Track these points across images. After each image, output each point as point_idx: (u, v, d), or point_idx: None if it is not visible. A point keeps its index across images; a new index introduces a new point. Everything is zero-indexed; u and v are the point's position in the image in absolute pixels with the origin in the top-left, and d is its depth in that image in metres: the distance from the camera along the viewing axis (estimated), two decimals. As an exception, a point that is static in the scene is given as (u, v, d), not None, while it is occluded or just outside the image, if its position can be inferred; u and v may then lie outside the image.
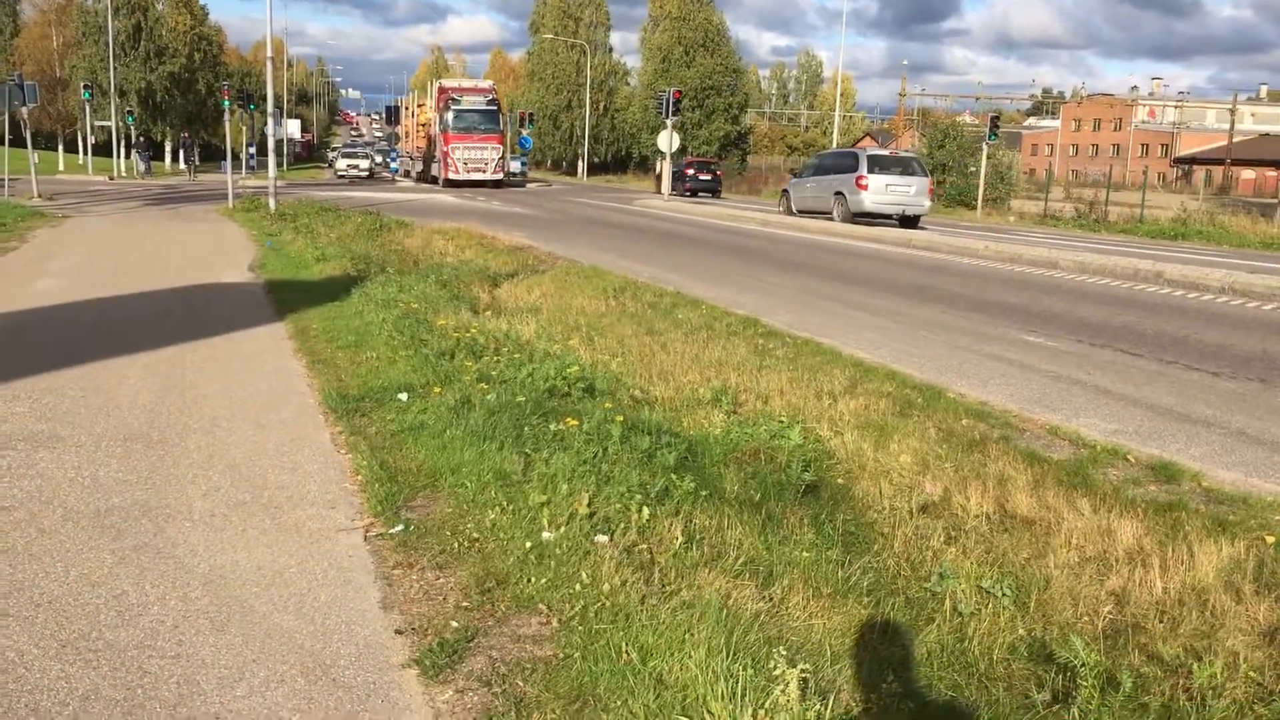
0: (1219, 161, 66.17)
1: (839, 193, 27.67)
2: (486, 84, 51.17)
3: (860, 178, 26.88)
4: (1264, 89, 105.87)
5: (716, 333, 9.49)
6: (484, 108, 46.00)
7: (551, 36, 79.01)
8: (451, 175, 45.06)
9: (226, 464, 5.31)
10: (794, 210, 30.18)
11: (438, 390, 6.45)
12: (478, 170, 45.51)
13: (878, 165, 27.28)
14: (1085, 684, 3.45)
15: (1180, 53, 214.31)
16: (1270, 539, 4.56)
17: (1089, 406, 7.32)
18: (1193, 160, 78.88)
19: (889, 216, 27.17)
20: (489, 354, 7.63)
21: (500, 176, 46.67)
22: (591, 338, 9.06)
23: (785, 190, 32.14)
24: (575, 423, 5.57)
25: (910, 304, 12.57)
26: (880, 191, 26.75)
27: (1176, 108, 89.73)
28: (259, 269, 13.72)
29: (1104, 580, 4.37)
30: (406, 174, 60.33)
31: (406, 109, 63.24)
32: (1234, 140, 65.77)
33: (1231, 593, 4.17)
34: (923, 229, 26.47)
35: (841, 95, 60.77)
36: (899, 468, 5.70)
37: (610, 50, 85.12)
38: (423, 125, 54.00)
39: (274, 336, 8.99)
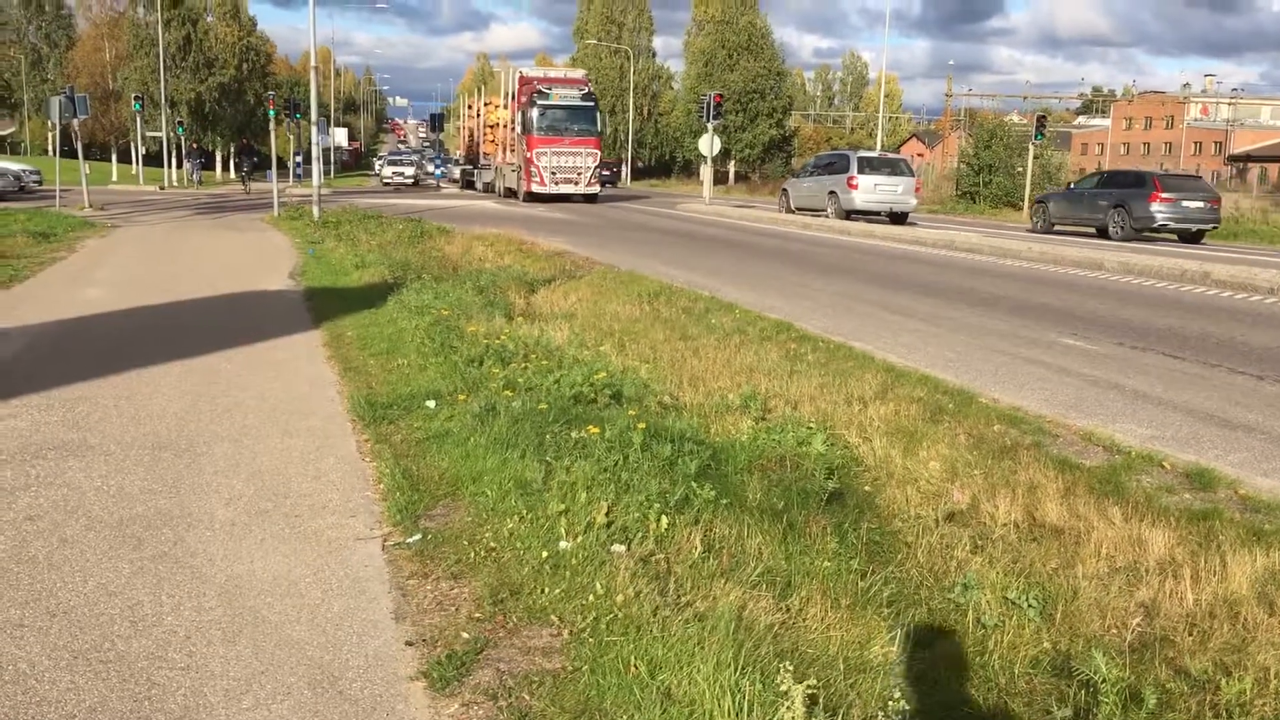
0: (1275, 159, 64.85)
1: (832, 192, 29.71)
2: (579, 73, 42.82)
3: (851, 178, 28.91)
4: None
5: (749, 338, 9.42)
6: (578, 103, 36.90)
7: (595, 42, 79.23)
8: (536, 188, 36.28)
9: (251, 472, 5.35)
10: (792, 208, 32.04)
11: (463, 397, 6.46)
12: (569, 182, 36.71)
13: (867, 166, 29.40)
14: (1107, 700, 3.36)
15: (1231, 49, 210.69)
16: (1307, 549, 4.42)
17: (1126, 411, 7.17)
18: (1247, 158, 77.31)
19: (878, 213, 28.94)
20: (518, 360, 7.63)
21: (596, 189, 37.88)
22: (624, 343, 9.04)
23: (784, 189, 34.04)
24: (597, 430, 5.54)
25: (948, 307, 12.41)
26: (869, 191, 28.78)
27: (1230, 104, 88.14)
28: (299, 276, 13.86)
29: (1133, 592, 4.26)
30: (470, 184, 53.08)
31: (470, 108, 54.63)
32: (1290, 136, 64.38)
33: (1265, 605, 4.05)
34: (913, 224, 27.99)
35: (887, 97, 60.45)
36: (927, 475, 5.61)
37: (653, 55, 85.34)
38: (491, 128, 45.90)
39: (309, 344, 9.06)
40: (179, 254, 16.97)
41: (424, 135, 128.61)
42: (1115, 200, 26.53)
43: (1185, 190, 26.41)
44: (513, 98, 39.11)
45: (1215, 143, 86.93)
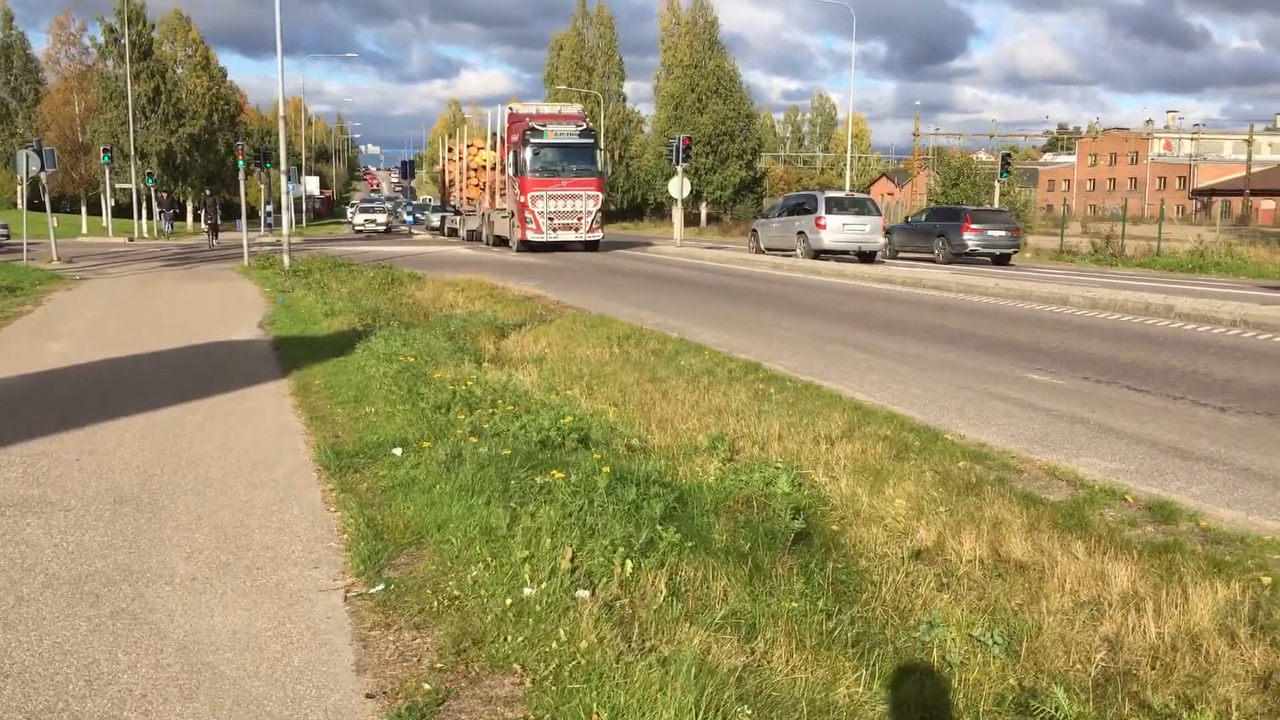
0: (1238, 192, 65.92)
1: (801, 232, 30.03)
2: (575, 108, 38.54)
3: (819, 218, 29.28)
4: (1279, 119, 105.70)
5: (718, 379, 9.44)
6: (576, 140, 33.00)
7: (565, 88, 79.86)
8: (532, 235, 32.30)
9: (214, 525, 5.30)
10: (762, 249, 32.49)
11: (429, 445, 6.44)
12: (568, 228, 32.62)
13: (835, 206, 29.83)
14: (1069, 736, 3.36)
15: (1191, 85, 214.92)
16: (1267, 579, 4.46)
17: (1090, 445, 7.23)
18: (1211, 192, 78.53)
19: (847, 252, 29.49)
20: (485, 406, 7.62)
21: (598, 236, 33.69)
22: (592, 387, 9.04)
23: (754, 230, 34.59)
24: (562, 475, 5.53)
25: (916, 344, 12.49)
26: (838, 230, 29.19)
27: (1193, 139, 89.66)
28: (268, 326, 13.81)
29: (1097, 626, 4.27)
30: (452, 232, 49.60)
31: (451, 152, 51.39)
32: (1252, 170, 65.52)
33: (1226, 637, 4.07)
34: (880, 263, 28.72)
35: (855, 137, 61.14)
36: (893, 513, 5.62)
37: (624, 99, 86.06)
38: (474, 171, 42.85)
39: (276, 393, 9.02)
40: (147, 305, 16.89)
41: (396, 182, 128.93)
42: (939, 231, 30.93)
43: (992, 222, 30.84)
44: (501, 139, 35.97)
45: (1179, 177, 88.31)
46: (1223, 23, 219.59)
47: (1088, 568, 4.74)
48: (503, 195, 35.58)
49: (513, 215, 33.38)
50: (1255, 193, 65.52)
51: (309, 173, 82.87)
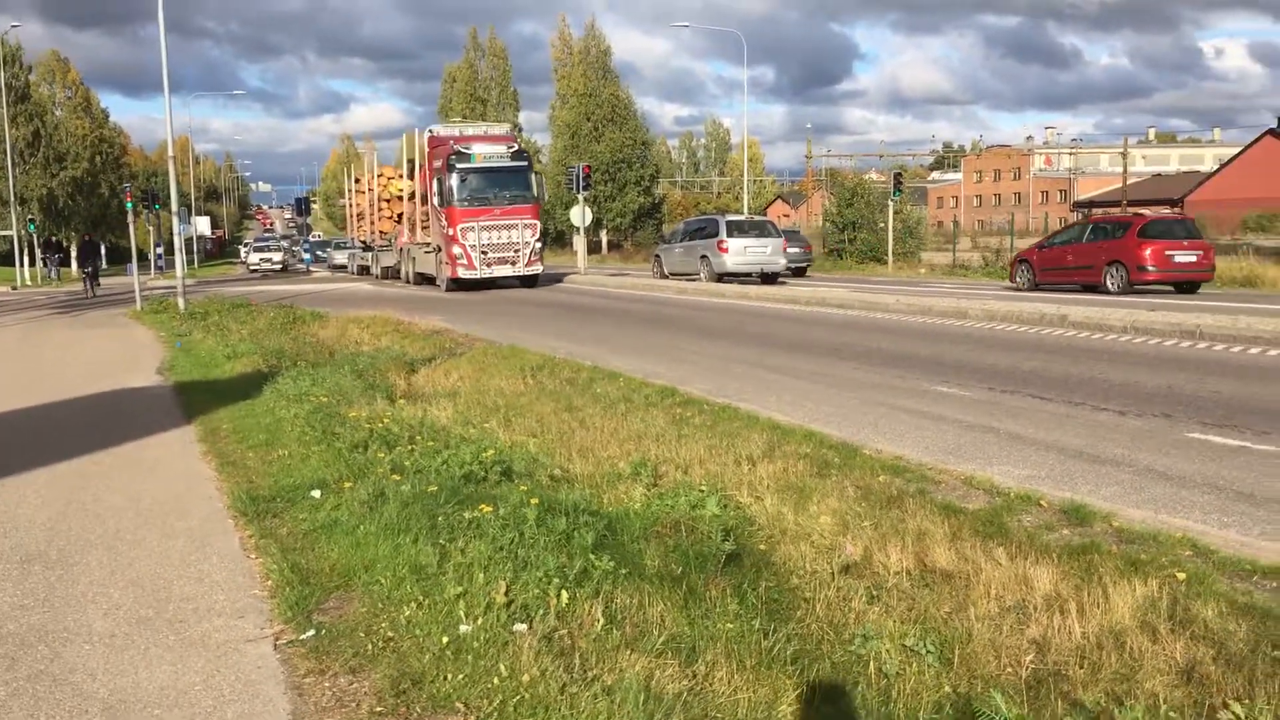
0: (1115, 203, 68.46)
1: (704, 256, 30.31)
2: (503, 128, 35.15)
3: (721, 242, 29.56)
4: (1151, 131, 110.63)
5: (635, 405, 9.47)
6: (507, 163, 29.53)
7: (460, 120, 79.54)
8: (464, 272, 28.94)
9: (129, 579, 5.12)
10: (666, 274, 32.61)
11: (349, 485, 6.32)
12: (504, 261, 29.21)
13: (736, 229, 30.16)
14: (1010, 738, 3.43)
15: (1066, 102, 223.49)
16: (1181, 575, 4.62)
17: (1002, 454, 7.43)
18: (1090, 203, 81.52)
19: (750, 275, 29.58)
20: (403, 443, 7.51)
21: (538, 270, 30.26)
22: (509, 419, 8.99)
23: (657, 255, 34.61)
24: (490, 509, 5.48)
25: (825, 362, 12.70)
26: (740, 253, 29.46)
27: (1071, 154, 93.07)
28: (168, 371, 13.43)
29: (1024, 629, 4.38)
30: (364, 270, 45.37)
31: (357, 183, 46.31)
32: (1128, 182, 68.23)
33: (1148, 633, 4.21)
34: (783, 284, 28.95)
35: (750, 160, 62.04)
36: (819, 529, 5.69)
37: (519, 129, 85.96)
38: (386, 202, 39.07)
39: (183, 440, 8.77)
40: (36, 355, 16.28)
41: (290, 219, 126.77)
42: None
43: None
44: (420, 166, 32.52)
45: (1061, 191, 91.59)
46: (1092, 41, 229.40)
47: (1011, 573, 4.85)
48: (425, 228, 32.21)
49: (439, 250, 29.90)
50: (1132, 203, 68.05)
51: (199, 213, 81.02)
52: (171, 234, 27.69)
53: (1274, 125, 60.66)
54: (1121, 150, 68.80)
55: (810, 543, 5.55)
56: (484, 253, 28.73)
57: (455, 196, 28.60)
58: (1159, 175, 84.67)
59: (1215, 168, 71.20)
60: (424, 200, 31.99)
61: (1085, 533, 5.48)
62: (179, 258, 25.49)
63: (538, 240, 29.82)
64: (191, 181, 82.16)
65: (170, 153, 25.11)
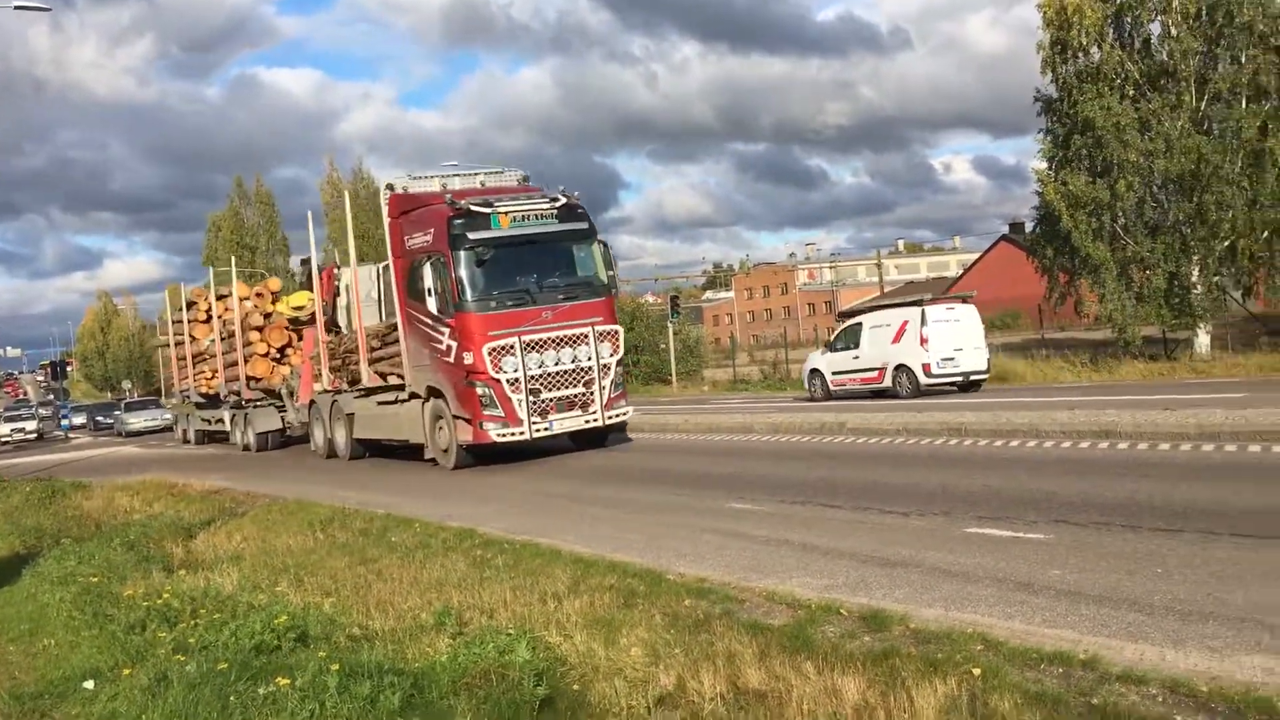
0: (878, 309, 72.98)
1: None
2: (515, 175, 19.29)
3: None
4: (900, 243, 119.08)
5: (433, 550, 9.23)
6: (555, 227, 16.85)
7: (228, 269, 77.37)
8: (497, 430, 15.82)
9: None
10: None
11: (128, 671, 5.85)
12: (571, 404, 16.28)
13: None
14: None
15: (819, 219, 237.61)
16: (976, 671, 4.82)
17: (800, 566, 7.62)
18: (852, 312, 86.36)
19: None
20: (186, 618, 7.05)
21: (623, 415, 17.07)
22: (301, 578, 8.58)
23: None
24: (287, 681, 5.18)
25: (620, 488, 12.80)
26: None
27: (831, 268, 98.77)
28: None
29: (839, 742, 4.45)
30: (211, 436, 31.65)
31: (189, 308, 31.35)
32: (885, 290, 72.93)
33: (953, 730, 4.35)
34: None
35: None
36: (631, 663, 5.65)
37: (291, 275, 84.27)
38: (258, 330, 26.42)
39: (-71, 639, 7.91)
40: None
41: (44, 384, 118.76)
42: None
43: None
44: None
45: (825, 302, 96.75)
46: (835, 162, 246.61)
47: (820, 686, 4.94)
48: (377, 359, 18.80)
49: (430, 397, 17.01)
50: (891, 311, 72.90)
51: (-60, 383, 74.86)
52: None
53: (1006, 231, 66.27)
54: (876, 261, 73.84)
55: (623, 677, 5.49)
56: (535, 392, 15.84)
57: (471, 292, 15.90)
58: (912, 282, 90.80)
59: (960, 273, 76.98)
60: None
61: (885, 637, 5.65)
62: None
63: (617, 359, 16.76)
64: (-70, 349, 76.17)
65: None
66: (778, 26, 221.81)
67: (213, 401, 29.84)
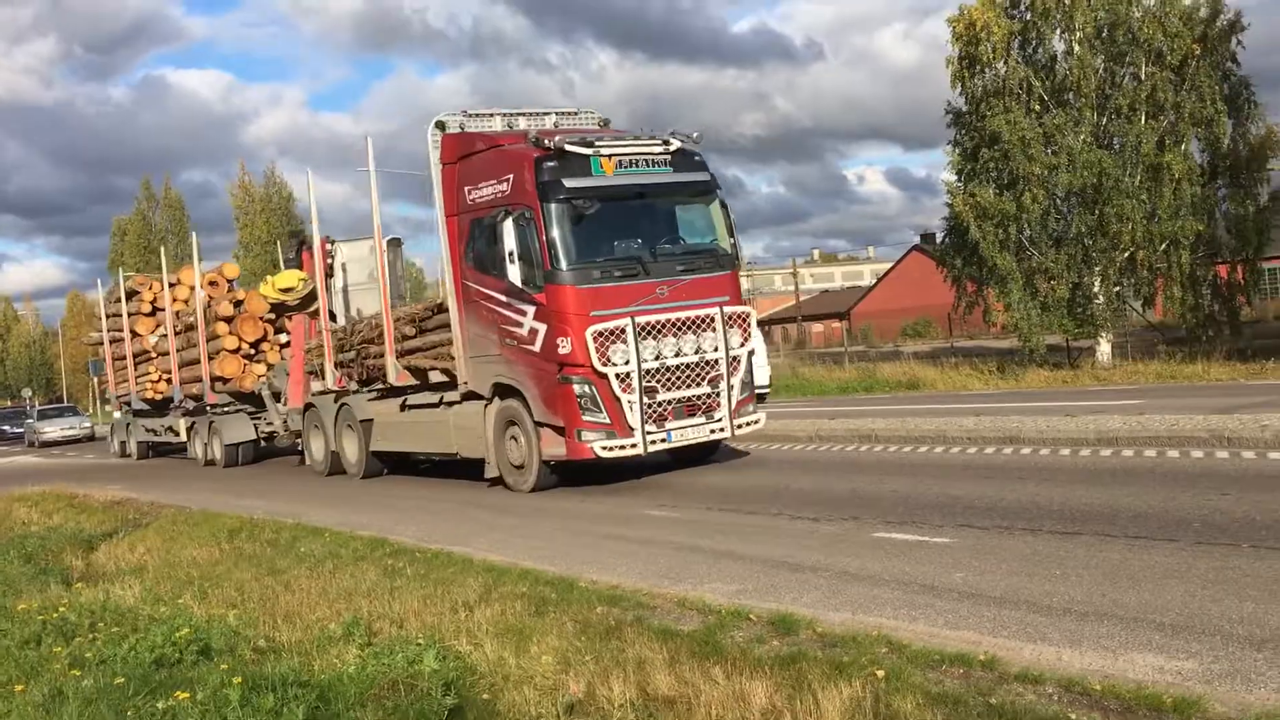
0: (792, 319, 73.74)
1: None
2: (595, 115, 14.81)
3: None
4: (816, 252, 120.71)
5: (343, 560, 9.11)
6: (670, 178, 13.10)
7: (134, 274, 75.43)
8: (601, 443, 11.91)
9: None
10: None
11: (20, 688, 5.66)
12: (693, 407, 12.50)
13: None
14: None
15: (736, 227, 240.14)
16: (880, 673, 4.91)
17: (712, 572, 7.68)
18: (769, 321, 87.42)
19: None
20: (84, 632, 6.85)
21: (757, 418, 13.35)
22: (205, 590, 8.40)
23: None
24: (187, 695, 5.06)
25: (539, 498, 12.75)
26: None
27: (748, 276, 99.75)
28: None
29: (746, 745, 4.49)
30: (156, 448, 27.40)
31: (133, 301, 26.11)
32: (801, 299, 73.84)
33: (857, 732, 4.42)
34: None
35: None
36: (542, 671, 5.63)
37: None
38: (228, 322, 21.87)
39: None
40: None
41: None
42: None
43: None
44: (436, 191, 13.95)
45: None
46: (752, 172, 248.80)
47: (728, 690, 4.98)
48: (420, 350, 14.91)
49: (500, 396, 13.18)
50: (806, 318, 73.60)
51: None
52: None
53: (918, 241, 67.64)
54: (792, 270, 74.73)
55: (534, 685, 5.47)
56: (651, 390, 12.24)
57: (568, 258, 12.26)
58: (827, 291, 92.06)
59: (873, 282, 78.32)
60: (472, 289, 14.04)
61: (793, 642, 5.72)
62: None
63: (748, 350, 13.37)
64: None
65: None
66: (694, 36, 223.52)
67: (159, 407, 25.41)
